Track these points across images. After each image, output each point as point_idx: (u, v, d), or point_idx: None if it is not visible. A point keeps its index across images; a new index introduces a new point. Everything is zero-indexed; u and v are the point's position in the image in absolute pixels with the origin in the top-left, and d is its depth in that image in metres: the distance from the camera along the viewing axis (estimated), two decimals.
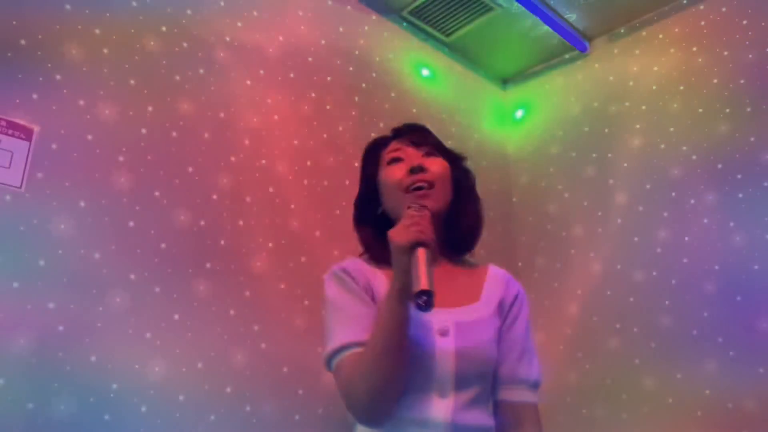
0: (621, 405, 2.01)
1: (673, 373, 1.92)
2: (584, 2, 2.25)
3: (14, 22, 1.33)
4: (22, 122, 1.30)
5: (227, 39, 1.73)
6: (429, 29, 2.35)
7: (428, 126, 1.30)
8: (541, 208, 2.43)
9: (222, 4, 1.75)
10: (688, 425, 1.85)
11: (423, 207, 1.07)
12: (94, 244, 1.35)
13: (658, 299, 2.01)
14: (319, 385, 1.63)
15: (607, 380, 2.07)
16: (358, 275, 1.15)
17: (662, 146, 2.13)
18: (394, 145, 1.25)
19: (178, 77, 1.59)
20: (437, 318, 1.08)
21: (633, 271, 2.10)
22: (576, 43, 2.42)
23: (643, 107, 2.22)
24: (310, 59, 1.94)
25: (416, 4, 2.22)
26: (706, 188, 1.99)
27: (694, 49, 2.13)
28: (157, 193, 1.48)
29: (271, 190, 1.71)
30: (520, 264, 2.41)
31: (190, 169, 1.56)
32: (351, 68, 2.05)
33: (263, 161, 1.72)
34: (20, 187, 1.27)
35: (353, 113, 2.00)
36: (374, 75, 2.13)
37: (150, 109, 1.52)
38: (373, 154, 1.27)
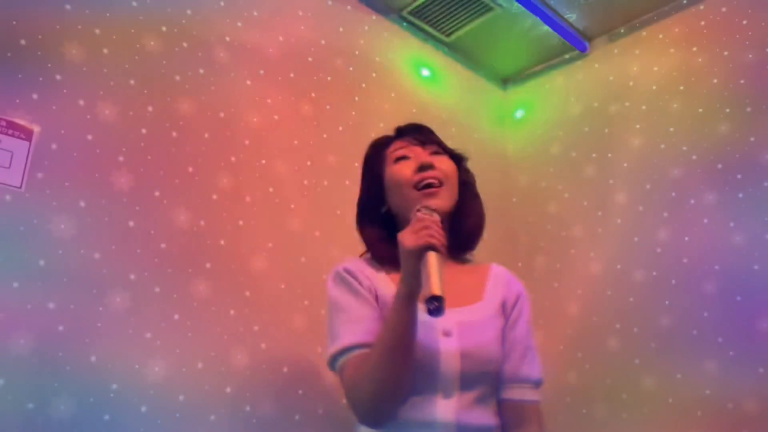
0: (621, 405, 2.01)
1: (673, 373, 1.91)
2: (584, 2, 2.25)
3: (14, 22, 1.33)
4: (22, 122, 1.30)
5: (227, 39, 1.73)
6: (429, 29, 2.35)
7: (428, 126, 1.30)
8: (541, 208, 2.43)
9: (222, 4, 1.75)
10: (688, 425, 1.85)
11: (433, 211, 1.06)
12: (94, 244, 1.35)
13: (658, 299, 2.01)
14: (319, 385, 1.63)
15: (607, 380, 2.07)
16: (362, 276, 1.16)
17: (662, 146, 2.12)
18: (398, 143, 1.25)
19: (178, 77, 1.59)
20: (441, 318, 1.08)
21: (633, 271, 2.09)
22: (576, 43, 2.42)
23: (643, 107, 2.21)
24: (310, 59, 1.94)
25: (416, 4, 2.22)
26: (706, 188, 1.99)
27: (694, 49, 2.12)
28: (157, 193, 1.48)
29: (271, 190, 1.71)
30: (520, 264, 2.41)
31: (190, 169, 1.56)
32: (351, 68, 2.05)
33: (263, 161, 1.72)
34: (20, 187, 1.27)
35: (353, 113, 2.00)
36: (374, 75, 2.13)
37: (150, 109, 1.52)
38: (377, 153, 1.27)
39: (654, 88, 2.20)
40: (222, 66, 1.70)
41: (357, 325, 1.09)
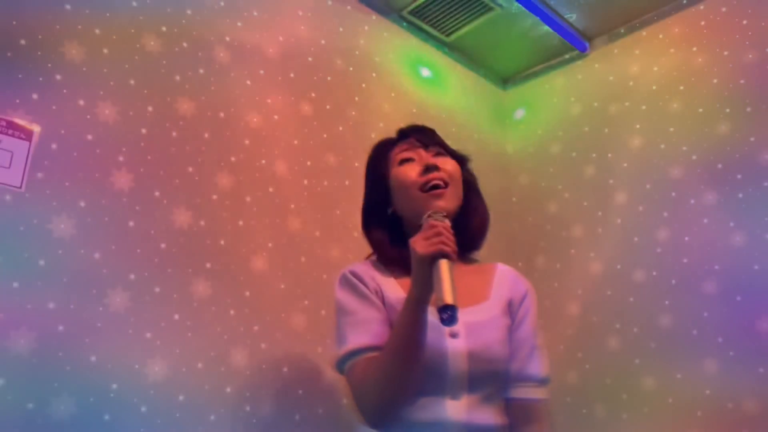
0: (621, 405, 2.01)
1: (673, 373, 1.92)
2: (584, 2, 2.25)
3: (14, 22, 1.33)
4: (22, 122, 1.30)
5: (227, 39, 1.73)
6: (429, 29, 2.35)
7: (428, 126, 1.30)
8: (541, 208, 2.43)
9: (222, 4, 1.75)
10: (688, 425, 1.85)
11: (444, 217, 1.06)
12: (94, 244, 1.35)
13: (658, 299, 2.01)
14: (319, 385, 1.63)
15: (607, 380, 2.07)
16: (368, 279, 1.16)
17: (662, 146, 2.13)
18: (402, 145, 1.25)
19: (178, 77, 1.59)
20: None
21: (633, 271, 2.09)
22: (576, 43, 2.42)
23: (643, 107, 2.22)
24: (310, 59, 1.94)
25: (416, 4, 2.22)
26: (706, 188, 1.99)
27: (694, 49, 2.12)
28: (157, 193, 1.48)
29: (271, 190, 1.71)
30: (520, 264, 2.41)
31: (190, 169, 1.56)
32: (351, 68, 2.05)
33: (263, 161, 1.72)
34: (20, 187, 1.27)
35: (353, 113, 2.00)
36: (374, 75, 2.13)
37: (150, 109, 1.52)
38: (381, 156, 1.27)
39: (654, 88, 2.20)
40: (222, 66, 1.70)
41: (364, 327, 1.09)
